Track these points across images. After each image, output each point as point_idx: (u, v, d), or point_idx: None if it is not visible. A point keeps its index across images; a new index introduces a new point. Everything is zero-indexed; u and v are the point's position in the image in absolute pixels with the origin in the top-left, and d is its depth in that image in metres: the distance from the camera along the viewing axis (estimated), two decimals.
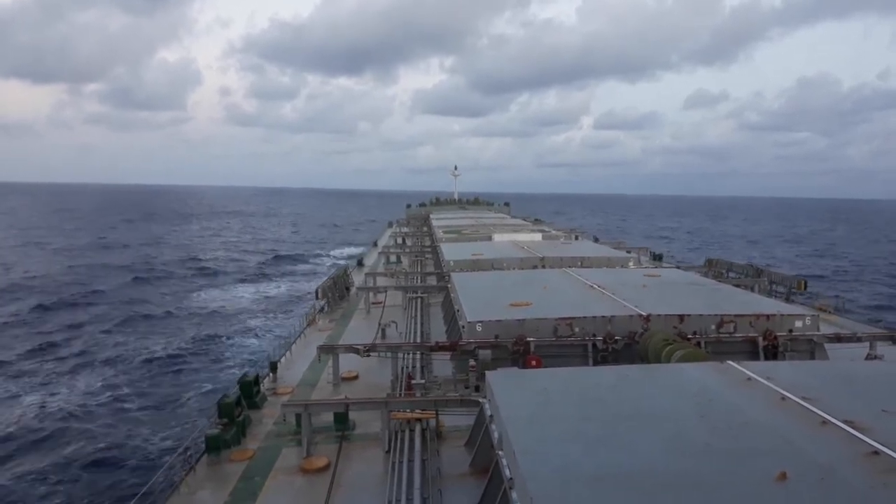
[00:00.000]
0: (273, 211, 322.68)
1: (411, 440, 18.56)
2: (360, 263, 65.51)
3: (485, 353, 23.58)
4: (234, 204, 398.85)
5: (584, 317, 25.04)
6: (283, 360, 29.53)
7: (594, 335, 24.44)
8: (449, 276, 38.15)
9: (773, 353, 24.21)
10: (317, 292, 42.72)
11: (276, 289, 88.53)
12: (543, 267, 42.21)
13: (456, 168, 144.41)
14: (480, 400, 18.11)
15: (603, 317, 25.09)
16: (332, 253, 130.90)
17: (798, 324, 25.43)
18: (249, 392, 23.19)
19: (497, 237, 59.83)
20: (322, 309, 41.27)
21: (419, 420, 19.56)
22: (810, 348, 25.02)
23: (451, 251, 48.36)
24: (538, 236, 61.82)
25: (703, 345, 23.99)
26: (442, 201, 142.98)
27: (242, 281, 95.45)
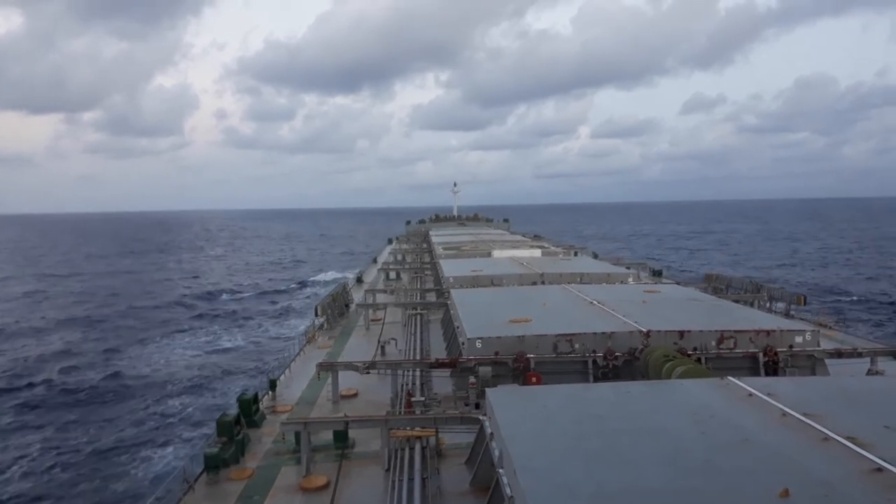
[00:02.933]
0: (279, 234, 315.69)
1: (411, 458, 18.45)
2: (359, 280, 65.41)
3: (485, 370, 23.52)
4: (236, 229, 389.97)
5: (584, 333, 25.00)
6: (282, 377, 29.41)
7: (594, 351, 24.39)
8: (448, 292, 38.15)
9: (773, 368, 24.16)
10: (316, 309, 42.65)
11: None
12: (543, 283, 42.18)
13: (455, 185, 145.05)
14: (481, 417, 18.01)
15: (603, 333, 25.03)
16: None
17: (798, 339, 25.37)
18: (248, 410, 23.06)
19: (496, 253, 59.83)
20: (321, 326, 41.20)
21: (419, 438, 19.45)
22: (811, 364, 24.94)
23: (450, 268, 48.36)
24: (538, 252, 61.85)
25: (703, 361, 23.93)
26: (441, 217, 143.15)
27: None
